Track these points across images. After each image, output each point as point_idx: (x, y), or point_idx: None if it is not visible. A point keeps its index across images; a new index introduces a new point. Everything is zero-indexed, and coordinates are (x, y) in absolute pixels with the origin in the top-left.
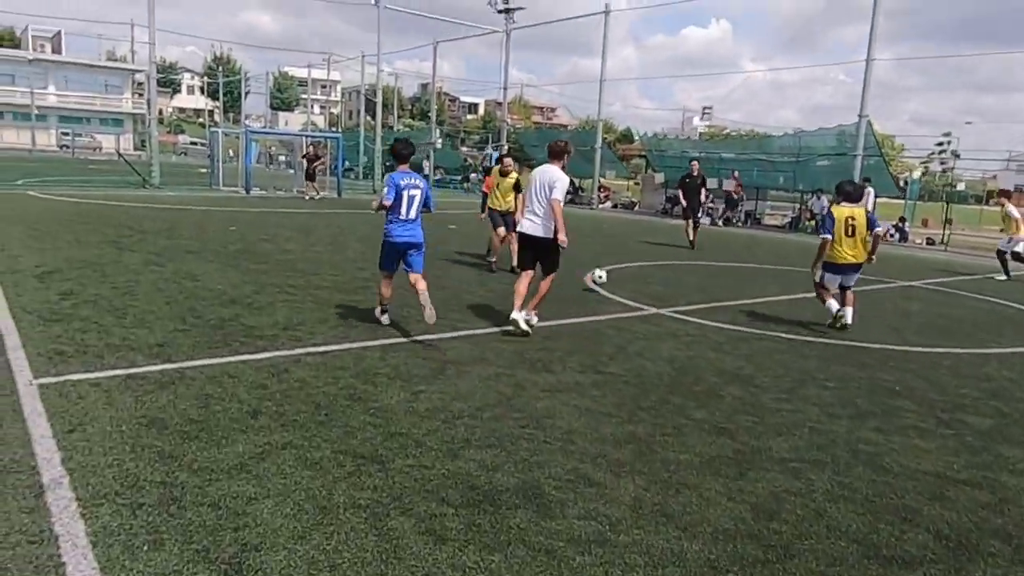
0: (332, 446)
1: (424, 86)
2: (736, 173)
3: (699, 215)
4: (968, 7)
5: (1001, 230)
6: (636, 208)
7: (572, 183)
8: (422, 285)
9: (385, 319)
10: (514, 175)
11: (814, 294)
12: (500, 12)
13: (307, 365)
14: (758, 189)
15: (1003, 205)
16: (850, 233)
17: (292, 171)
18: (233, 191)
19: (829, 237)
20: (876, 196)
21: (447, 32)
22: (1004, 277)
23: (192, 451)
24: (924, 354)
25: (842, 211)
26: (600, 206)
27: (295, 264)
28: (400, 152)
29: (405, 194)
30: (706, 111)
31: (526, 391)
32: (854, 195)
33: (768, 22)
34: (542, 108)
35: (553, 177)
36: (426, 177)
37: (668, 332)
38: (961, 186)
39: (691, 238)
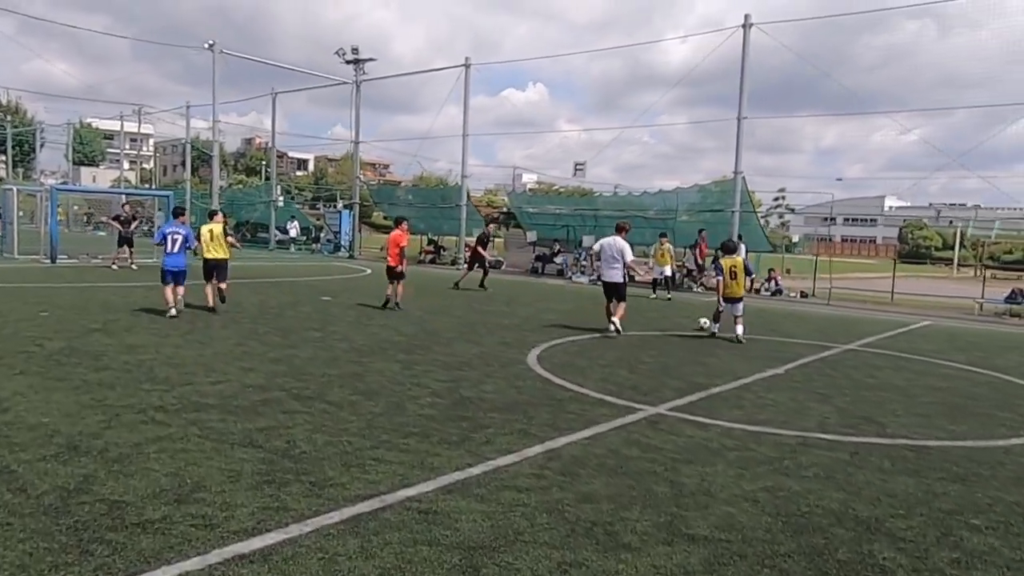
0: None
1: (248, 141)
2: (703, 233)
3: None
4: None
5: (656, 262)
6: (503, 267)
7: (434, 242)
8: (180, 290)
9: (173, 312)
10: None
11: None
12: (349, 63)
13: None
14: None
15: (662, 243)
16: (732, 276)
17: (103, 234)
18: (33, 260)
19: (720, 279)
20: (748, 251)
21: (283, 83)
22: (654, 296)
23: None
24: (988, 450)
25: (726, 261)
26: (465, 265)
27: (152, 368)
28: (175, 211)
29: (169, 237)
30: (579, 167)
31: None
32: (732, 249)
33: (579, 86)
34: (375, 164)
35: (622, 246)
36: (294, 240)
37: (700, 446)
38: (796, 238)
39: (481, 282)
